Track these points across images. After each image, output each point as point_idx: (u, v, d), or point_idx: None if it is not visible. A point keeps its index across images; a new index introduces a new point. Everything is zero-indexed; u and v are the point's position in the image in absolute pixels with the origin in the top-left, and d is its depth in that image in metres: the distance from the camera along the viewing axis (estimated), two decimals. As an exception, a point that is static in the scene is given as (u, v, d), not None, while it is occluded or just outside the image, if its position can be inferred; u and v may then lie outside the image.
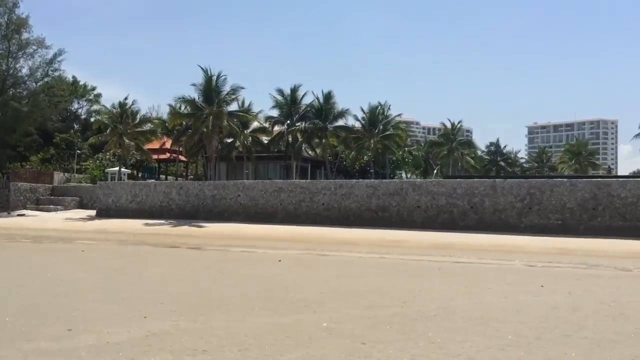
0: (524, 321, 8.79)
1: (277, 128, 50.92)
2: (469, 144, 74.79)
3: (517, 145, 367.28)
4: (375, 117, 53.91)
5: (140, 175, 60.95)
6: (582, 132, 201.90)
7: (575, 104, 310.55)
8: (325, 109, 49.00)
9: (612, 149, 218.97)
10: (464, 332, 8.02)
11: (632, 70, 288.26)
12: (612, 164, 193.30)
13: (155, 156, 54.42)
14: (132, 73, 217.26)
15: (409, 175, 71.65)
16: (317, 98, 49.90)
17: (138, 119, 49.52)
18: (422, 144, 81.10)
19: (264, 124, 50.60)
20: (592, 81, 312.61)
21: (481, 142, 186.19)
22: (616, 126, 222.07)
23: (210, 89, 40.63)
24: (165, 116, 55.09)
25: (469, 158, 69.74)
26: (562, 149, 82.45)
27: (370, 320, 8.78)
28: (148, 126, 51.38)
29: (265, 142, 51.56)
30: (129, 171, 55.91)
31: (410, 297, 10.92)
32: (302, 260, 18.49)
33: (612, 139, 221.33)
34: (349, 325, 8.35)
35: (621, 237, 26.53)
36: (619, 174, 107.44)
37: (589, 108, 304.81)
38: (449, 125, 70.88)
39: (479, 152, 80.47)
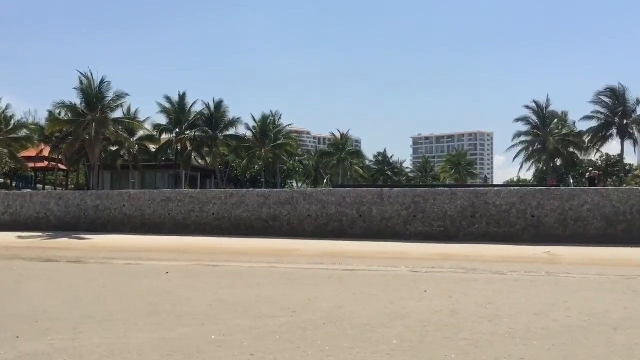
0: (408, 325, 9.11)
1: (165, 136, 49.59)
2: (358, 154, 76.93)
3: (403, 155, 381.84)
4: (267, 126, 54.09)
5: (14, 185, 56.92)
6: (462, 144, 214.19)
7: (456, 117, 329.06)
8: (215, 118, 48.47)
9: (488, 159, 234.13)
10: (351, 339, 8.16)
11: (506, 87, 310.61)
12: (489, 173, 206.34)
13: (31, 164, 51.06)
14: (5, 77, 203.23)
15: (299, 185, 72.38)
16: (208, 106, 49.27)
17: (12, 125, 46.31)
18: (313, 154, 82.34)
19: (152, 132, 49.09)
20: (470, 96, 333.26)
21: (369, 152, 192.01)
22: (492, 138, 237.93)
23: (93, 94, 38.79)
24: (43, 122, 51.95)
25: (357, 167, 71.66)
26: (444, 160, 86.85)
27: (259, 330, 8.72)
28: (23, 132, 48.18)
29: (153, 150, 50.03)
30: (1, 180, 52.04)
31: (300, 306, 10.97)
32: (191, 272, 18.05)
33: (488, 150, 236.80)
34: (238, 337, 8.25)
35: (496, 243, 28.30)
36: (495, 183, 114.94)
37: (468, 121, 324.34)
38: (338, 136, 72.49)
39: (367, 162, 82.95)
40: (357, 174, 71.58)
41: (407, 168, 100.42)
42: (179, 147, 48.48)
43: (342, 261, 21.51)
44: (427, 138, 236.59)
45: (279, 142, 54.33)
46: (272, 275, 17.19)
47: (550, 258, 23.41)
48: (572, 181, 57.08)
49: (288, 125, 59.06)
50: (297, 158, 68.31)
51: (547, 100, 51.66)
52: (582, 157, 56.09)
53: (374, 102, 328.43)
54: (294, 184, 70.98)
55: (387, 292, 13.06)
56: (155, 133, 49.07)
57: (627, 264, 21.63)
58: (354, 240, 29.60)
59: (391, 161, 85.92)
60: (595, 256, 23.66)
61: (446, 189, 32.53)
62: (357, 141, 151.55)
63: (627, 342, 8.02)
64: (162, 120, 49.26)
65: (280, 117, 56.87)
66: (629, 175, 62.62)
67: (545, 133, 50.13)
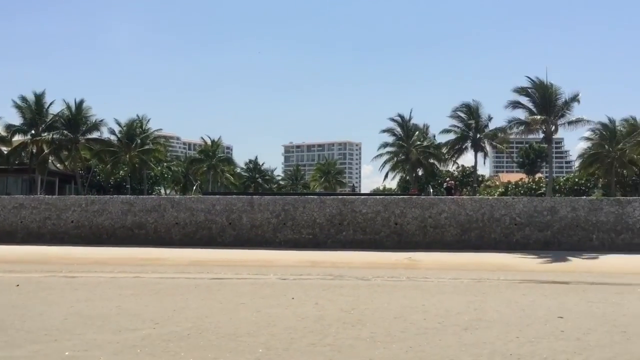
0: (274, 333, 9.13)
1: (18, 138, 45.94)
2: (229, 161, 76.21)
3: (275, 163, 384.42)
4: (133, 130, 52.00)
5: None
6: (332, 153, 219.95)
7: (327, 126, 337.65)
8: (76, 119, 45.71)
9: (356, 168, 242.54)
10: (216, 349, 8.02)
11: (374, 99, 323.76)
12: (357, 182, 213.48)
13: None
14: None
15: (168, 191, 70.23)
16: (68, 107, 46.34)
17: None
18: (182, 160, 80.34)
19: (3, 133, 45.28)
20: (341, 106, 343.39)
21: (241, 159, 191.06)
22: (360, 148, 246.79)
23: None
24: None
25: (228, 175, 70.95)
26: (314, 168, 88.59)
27: (118, 345, 8.30)
28: None
29: (5, 152, 46.14)
30: None
31: (164, 317, 10.60)
32: (45, 284, 16.80)
33: (356, 159, 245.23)
34: (95, 352, 7.79)
35: (362, 249, 29.33)
36: (362, 191, 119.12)
37: (338, 131, 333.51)
38: (209, 142, 71.37)
39: (238, 169, 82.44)
40: (228, 181, 70.91)
41: (278, 176, 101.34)
42: (34, 150, 45.11)
43: (210, 270, 21.12)
44: (298, 146, 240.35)
45: (146, 147, 52.39)
46: (136, 286, 16.46)
47: (411, 263, 24.64)
48: (431, 190, 60.69)
49: (157, 130, 57.23)
50: (165, 164, 66.29)
51: (410, 113, 54.62)
52: (441, 168, 59.80)
53: (246, 109, 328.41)
54: (162, 191, 68.78)
55: (254, 300, 13.01)
56: (6, 134, 45.30)
57: (478, 267, 23.30)
58: (224, 248, 29.21)
59: (262, 169, 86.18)
60: (451, 261, 25.26)
61: (315, 197, 33.14)
62: (228, 148, 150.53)
63: (476, 342, 8.61)
64: (16, 120, 45.63)
65: (148, 122, 54.95)
66: (482, 185, 67.85)
67: (408, 144, 52.88)
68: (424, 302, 12.70)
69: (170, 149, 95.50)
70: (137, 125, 53.05)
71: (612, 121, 48.12)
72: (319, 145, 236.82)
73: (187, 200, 32.91)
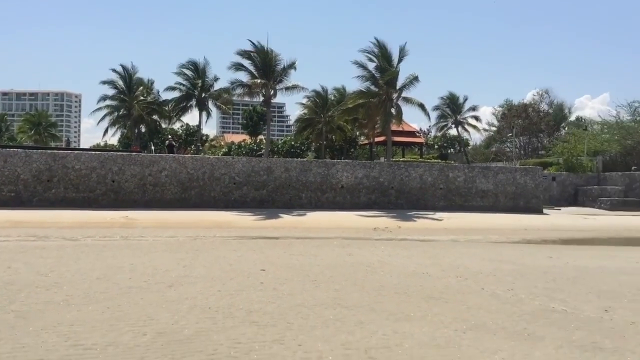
0: (-54, 304, 7.89)
1: None
2: None
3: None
4: None
5: None
6: (47, 103, 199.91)
7: (42, 73, 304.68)
8: None
9: (75, 122, 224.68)
10: None
11: (97, 48, 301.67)
12: (76, 136, 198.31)
13: None
14: None
15: None
16: None
17: None
18: None
19: None
20: (58, 52, 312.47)
21: None
22: (80, 100, 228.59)
23: None
24: None
25: None
26: (22, 119, 79.24)
27: None
28: None
29: None
30: None
31: None
32: None
33: (75, 112, 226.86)
34: None
35: (75, 208, 27.38)
36: (82, 147, 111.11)
37: (54, 79, 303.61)
38: None
39: None
40: None
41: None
42: None
43: None
44: (5, 94, 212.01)
45: None
46: None
47: (127, 222, 23.81)
48: (153, 148, 59.36)
49: None
50: None
51: (133, 66, 52.02)
52: (165, 126, 58.70)
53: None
54: None
55: None
56: None
57: (196, 225, 23.60)
58: None
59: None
60: (169, 219, 25.10)
61: (20, 150, 29.71)
62: None
63: (178, 298, 8.62)
64: None
65: None
66: (206, 144, 68.67)
67: (130, 99, 50.53)
68: (133, 261, 12.32)
69: None
70: None
71: (324, 90, 52.61)
72: (31, 94, 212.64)
73: None
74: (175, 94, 49.26)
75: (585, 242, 22.84)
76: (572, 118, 77.20)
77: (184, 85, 48.74)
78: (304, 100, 54.04)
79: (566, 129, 71.17)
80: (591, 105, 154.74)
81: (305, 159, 41.38)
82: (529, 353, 6.19)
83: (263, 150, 46.33)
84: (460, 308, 8.44)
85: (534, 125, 71.07)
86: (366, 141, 56.00)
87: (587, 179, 43.57)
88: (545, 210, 35.89)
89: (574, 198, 42.04)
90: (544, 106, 76.49)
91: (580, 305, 8.89)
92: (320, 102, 51.74)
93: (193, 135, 60.46)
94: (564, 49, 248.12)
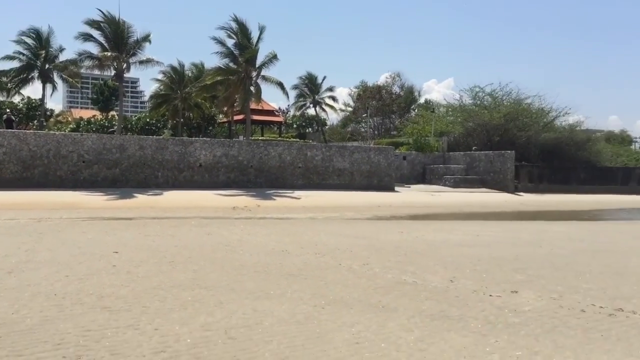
0: None
1: None
2: None
3: None
4: None
5: None
6: None
7: None
8: None
9: None
10: None
11: None
12: None
13: None
14: None
15: None
16: None
17: None
18: None
19: None
20: None
21: None
22: None
23: None
24: None
25: None
26: None
27: None
28: None
29: None
30: None
31: None
32: None
33: None
34: None
35: None
36: None
37: None
38: None
39: None
40: None
41: None
42: None
43: None
44: None
45: None
46: None
47: (-42, 204, 21.48)
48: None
49: None
50: None
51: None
52: (2, 99, 53.56)
53: None
54: None
55: None
56: None
57: (40, 207, 21.87)
58: None
59: None
60: (10, 200, 23.03)
61: None
62: None
63: (18, 285, 7.90)
64: None
65: None
66: (51, 120, 63.72)
67: (-40, 68, 45.28)
68: (-35, 247, 11.11)
69: None
70: None
71: (181, 65, 50.90)
72: None
73: None
74: (15, 64, 44.89)
75: (432, 218, 24.46)
76: (421, 101, 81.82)
77: (24, 54, 44.50)
78: (160, 76, 52.02)
79: (416, 110, 75.28)
80: (437, 89, 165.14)
81: (161, 137, 39.94)
82: (384, 324, 6.44)
83: (115, 127, 43.86)
84: (319, 284, 8.60)
85: (387, 107, 74.38)
86: (225, 119, 55.16)
87: (434, 158, 46.57)
88: (396, 188, 37.83)
89: (422, 176, 44.72)
90: (395, 89, 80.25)
91: (429, 276, 9.45)
92: (177, 77, 50.00)
93: (36, 110, 55.70)
94: (413, 35, 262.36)
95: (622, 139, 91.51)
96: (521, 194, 39.22)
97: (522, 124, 49.30)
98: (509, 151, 41.11)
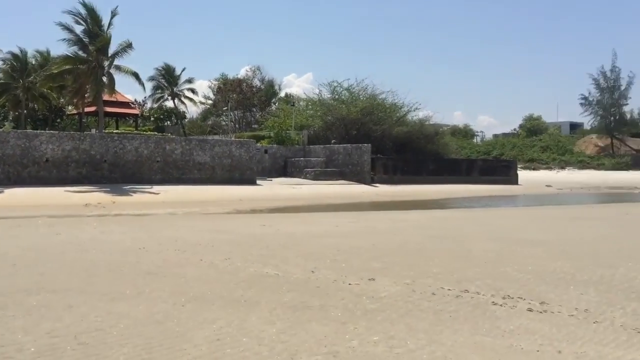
0: None
1: None
2: None
3: None
4: None
5: None
6: None
7: None
8: None
9: None
10: None
11: None
12: None
13: None
14: None
15: None
16: None
17: None
18: None
19: None
20: None
21: None
22: None
23: None
24: None
25: None
26: None
27: None
28: None
29: None
30: None
31: None
32: None
33: None
34: None
35: None
36: None
37: None
38: None
39: None
40: None
41: None
42: None
43: None
44: None
45: None
46: None
47: None
48: None
49: None
50: None
51: None
52: None
53: None
54: None
55: None
56: None
57: None
58: None
59: None
60: None
61: None
62: None
63: None
64: None
65: None
66: None
67: None
68: None
69: None
70: None
71: (23, 52, 47.01)
72: None
73: None
74: None
75: (294, 210, 24.80)
76: (282, 94, 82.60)
77: None
78: (-1, 63, 47.61)
79: (276, 104, 75.86)
80: (297, 84, 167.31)
81: (1, 129, 36.60)
82: (245, 318, 6.37)
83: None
84: (179, 281, 8.33)
85: (248, 100, 74.20)
86: (75, 111, 51.73)
87: (295, 151, 47.22)
88: (258, 181, 37.86)
89: (283, 169, 45.15)
90: (256, 82, 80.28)
91: (291, 268, 9.53)
92: (18, 65, 46.07)
93: None
94: (273, 28, 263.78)
95: (466, 133, 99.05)
96: (377, 185, 40.99)
97: (378, 118, 51.60)
98: (366, 144, 42.73)
